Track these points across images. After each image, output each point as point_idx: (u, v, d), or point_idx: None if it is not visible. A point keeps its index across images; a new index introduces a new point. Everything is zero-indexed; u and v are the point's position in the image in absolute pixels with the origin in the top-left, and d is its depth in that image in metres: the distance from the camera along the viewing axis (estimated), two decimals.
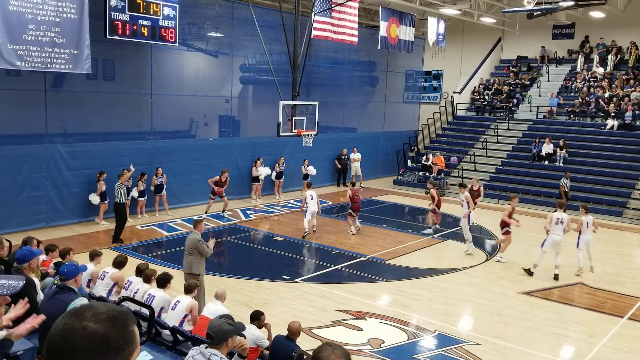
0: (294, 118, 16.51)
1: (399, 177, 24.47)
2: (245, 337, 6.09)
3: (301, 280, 11.50)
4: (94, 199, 14.94)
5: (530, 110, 25.25)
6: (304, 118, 17.43)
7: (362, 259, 13.22)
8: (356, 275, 12.06)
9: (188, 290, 7.51)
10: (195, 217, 14.02)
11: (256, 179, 19.33)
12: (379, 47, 21.28)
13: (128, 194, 14.60)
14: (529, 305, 10.66)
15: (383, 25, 20.99)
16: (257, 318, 6.94)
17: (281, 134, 16.12)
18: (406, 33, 22.33)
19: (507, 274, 12.39)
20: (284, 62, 18.62)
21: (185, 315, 7.22)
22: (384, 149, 26.18)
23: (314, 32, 18.11)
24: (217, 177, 16.72)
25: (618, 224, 18.05)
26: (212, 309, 7.02)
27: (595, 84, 24.55)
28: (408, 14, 22.17)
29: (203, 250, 8.88)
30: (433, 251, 14.35)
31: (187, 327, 7.13)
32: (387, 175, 25.57)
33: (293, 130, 16.48)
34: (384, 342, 8.73)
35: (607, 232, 16.97)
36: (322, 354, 2.28)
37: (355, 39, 20.15)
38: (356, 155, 23.41)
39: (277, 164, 20.06)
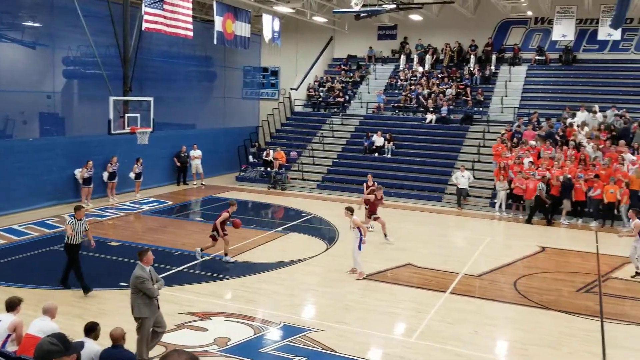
0: (126, 115, 15.67)
1: (241, 173, 24.50)
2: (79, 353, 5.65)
3: None
4: None
5: (361, 106, 26.89)
6: (138, 115, 16.61)
7: (206, 258, 13.01)
8: (200, 275, 11.85)
9: (10, 307, 6.76)
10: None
11: (87, 181, 17.97)
12: (215, 42, 21.00)
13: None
14: (366, 288, 11.38)
15: (218, 20, 20.75)
16: (92, 330, 6.48)
17: (112, 131, 15.21)
18: (242, 29, 22.33)
19: (345, 261, 13.04)
20: (114, 56, 17.52)
21: (9, 335, 6.51)
22: (224, 145, 25.98)
23: (144, 25, 17.26)
24: None
25: (439, 208, 20.00)
26: (40, 326, 6.41)
27: (416, 81, 26.87)
28: (243, 10, 22.19)
29: (147, 291, 7.58)
30: (277, 245, 14.63)
31: (11, 347, 6.43)
32: (229, 171, 25.43)
33: (126, 128, 15.64)
34: (230, 340, 8.71)
35: (431, 216, 18.77)
36: None
37: (190, 33, 19.64)
38: (196, 152, 22.93)
39: (109, 164, 18.83)
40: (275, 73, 30.28)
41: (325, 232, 16.16)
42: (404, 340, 9.06)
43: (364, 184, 16.72)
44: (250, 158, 25.68)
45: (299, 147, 25.29)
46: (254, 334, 9.03)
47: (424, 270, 12.76)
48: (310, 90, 28.46)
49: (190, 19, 19.30)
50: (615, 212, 17.78)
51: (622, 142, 19.65)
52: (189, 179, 23.19)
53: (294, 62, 29.70)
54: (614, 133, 20.54)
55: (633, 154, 19.16)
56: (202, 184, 23.11)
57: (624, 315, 10.35)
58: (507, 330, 9.75)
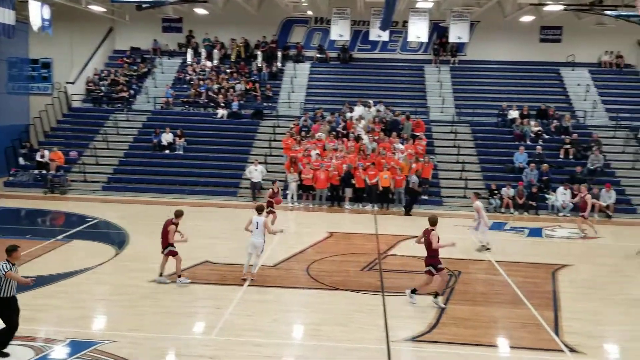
0: None
1: (11, 178, 21.70)
2: None
3: None
4: None
5: (148, 102, 25.71)
6: None
7: None
8: None
9: None
10: None
11: None
12: None
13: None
14: (162, 291, 10.90)
15: None
16: None
17: None
18: (5, 16, 19.70)
19: (137, 265, 12.38)
20: None
21: None
22: None
23: None
24: None
25: (234, 203, 20.14)
26: None
27: (205, 76, 26.56)
28: None
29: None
30: (58, 255, 13.27)
31: None
32: None
33: None
34: None
35: (226, 211, 18.80)
36: None
37: None
38: None
39: None
40: (47, 65, 27.30)
41: (114, 237, 15.12)
42: (203, 338, 8.90)
43: (270, 190, 16.28)
44: (21, 160, 22.86)
45: (79, 146, 23.22)
46: (36, 355, 8.06)
47: (221, 266, 12.71)
48: (90, 84, 26.28)
49: None
50: (390, 195, 19.87)
51: (394, 133, 22.01)
52: None
53: (69, 54, 27.09)
54: (385, 124, 22.92)
55: (402, 143, 21.59)
56: None
57: (401, 288, 11.55)
58: (303, 315, 10.20)
